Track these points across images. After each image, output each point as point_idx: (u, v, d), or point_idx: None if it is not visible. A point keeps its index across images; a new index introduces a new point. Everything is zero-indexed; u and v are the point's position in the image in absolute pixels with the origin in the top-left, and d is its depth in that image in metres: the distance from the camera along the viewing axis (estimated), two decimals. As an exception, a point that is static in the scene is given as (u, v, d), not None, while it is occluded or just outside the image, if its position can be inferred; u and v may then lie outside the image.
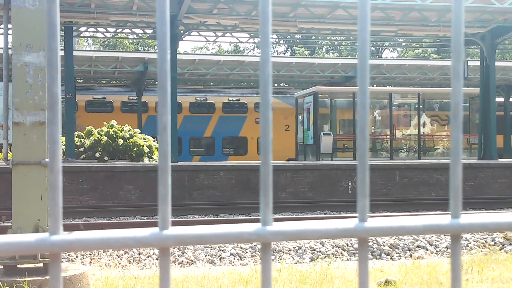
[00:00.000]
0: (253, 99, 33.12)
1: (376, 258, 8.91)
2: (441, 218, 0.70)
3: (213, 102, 32.94)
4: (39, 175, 6.33)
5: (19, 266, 6.09)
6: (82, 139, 21.01)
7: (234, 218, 13.15)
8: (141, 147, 20.82)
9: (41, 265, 6.13)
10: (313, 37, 33.94)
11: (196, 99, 32.69)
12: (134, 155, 20.62)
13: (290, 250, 9.10)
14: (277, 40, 43.09)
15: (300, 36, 34.07)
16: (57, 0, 0.61)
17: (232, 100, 33.01)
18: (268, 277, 0.61)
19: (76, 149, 20.31)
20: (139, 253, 9.04)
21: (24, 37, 6.27)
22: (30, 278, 5.82)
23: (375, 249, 9.15)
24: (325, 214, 14.59)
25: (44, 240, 0.51)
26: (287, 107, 31.45)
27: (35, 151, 6.31)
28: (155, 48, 53.60)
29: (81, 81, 32.15)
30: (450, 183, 0.70)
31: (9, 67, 6.61)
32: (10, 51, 6.75)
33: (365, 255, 0.67)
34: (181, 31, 20.81)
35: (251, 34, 27.46)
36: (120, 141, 20.59)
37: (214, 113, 32.71)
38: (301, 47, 50.96)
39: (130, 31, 24.32)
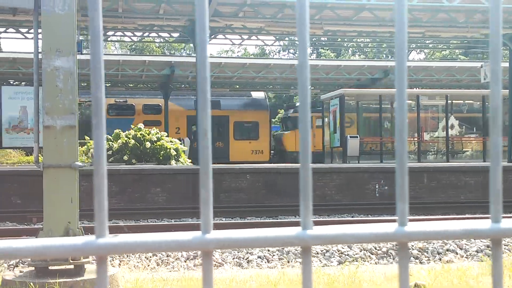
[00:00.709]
0: (142, 100, 31.80)
1: (405, 262, 8.82)
2: (482, 223, 0.70)
3: None
4: (69, 178, 6.42)
5: (50, 267, 6.17)
6: (110, 142, 21.22)
7: (261, 221, 13.15)
8: (168, 150, 20.95)
9: (71, 267, 6.21)
10: (339, 39, 33.77)
11: (80, 101, 31.53)
12: (161, 158, 20.76)
13: (317, 253, 9.07)
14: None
15: (326, 39, 33.95)
16: (99, 8, 0.62)
17: (119, 101, 31.61)
18: (309, 280, 0.61)
19: (104, 152, 20.48)
20: (167, 256, 9.09)
21: (54, 41, 6.36)
22: (61, 280, 5.90)
23: (403, 253, 9.07)
24: (352, 217, 14.51)
25: (91, 243, 0.52)
26: (178, 109, 30.96)
27: (65, 154, 6.40)
28: (182, 51, 53.92)
29: (109, 84, 32.49)
30: (490, 187, 0.70)
31: (39, 72, 6.70)
32: (40, 56, 6.85)
33: (405, 260, 0.67)
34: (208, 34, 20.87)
35: (277, 37, 27.47)
36: (148, 144, 20.75)
37: None
38: (327, 50, 50.80)
39: (156, 35, 24.51)
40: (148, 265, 8.75)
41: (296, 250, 9.35)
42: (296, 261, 8.97)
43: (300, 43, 0.64)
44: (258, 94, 33.73)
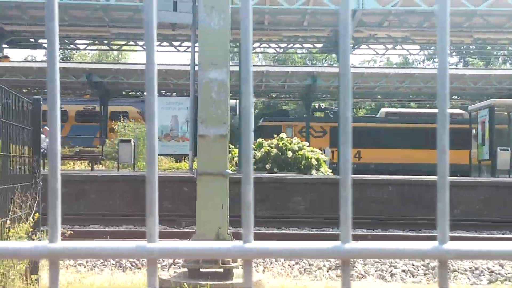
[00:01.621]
0: (111, 108, 32.04)
1: None
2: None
3: (66, 110, 32.46)
4: (221, 185, 6.70)
5: (201, 270, 6.47)
6: (253, 151, 21.80)
7: (404, 234, 12.86)
8: (309, 159, 21.11)
9: (221, 270, 6.46)
10: (489, 48, 32.17)
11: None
12: (302, 167, 20.96)
13: (465, 271, 8.71)
14: (449, 51, 41.55)
15: (474, 47, 32.49)
16: (349, 32, 0.68)
17: (88, 108, 32.21)
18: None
19: (247, 161, 21.08)
20: (309, 264, 9.17)
21: (209, 55, 6.68)
22: (212, 282, 6.16)
23: None
24: (503, 234, 13.75)
25: (339, 248, 0.57)
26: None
27: (217, 162, 6.69)
28: (323, 62, 54.15)
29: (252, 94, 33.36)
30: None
31: (195, 83, 7.07)
32: (196, 68, 7.22)
33: None
34: (351, 45, 20.85)
35: (422, 46, 26.77)
36: (289, 153, 21.06)
37: (67, 121, 32.34)
38: (475, 58, 48.63)
39: (300, 46, 24.84)
40: (291, 273, 8.88)
41: (443, 266, 9.03)
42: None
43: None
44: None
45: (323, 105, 36.47)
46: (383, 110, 35.64)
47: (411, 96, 36.21)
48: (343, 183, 0.58)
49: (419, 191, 16.64)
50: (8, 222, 5.75)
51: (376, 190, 16.78)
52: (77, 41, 24.21)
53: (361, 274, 8.76)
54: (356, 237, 12.13)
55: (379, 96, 36.25)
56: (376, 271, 8.94)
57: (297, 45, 24.68)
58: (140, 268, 8.92)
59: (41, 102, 7.09)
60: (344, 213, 0.58)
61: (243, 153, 0.61)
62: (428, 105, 42.05)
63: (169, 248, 0.55)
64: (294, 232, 13.26)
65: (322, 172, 21.35)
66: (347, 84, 0.61)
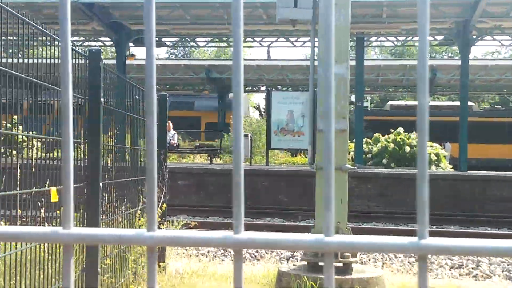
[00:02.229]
0: None
1: None
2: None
3: None
4: (340, 179, 6.71)
5: (320, 263, 6.52)
6: (370, 146, 21.53)
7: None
8: (428, 154, 20.53)
9: (340, 265, 6.48)
10: None
11: None
12: (421, 163, 20.40)
13: None
14: None
15: None
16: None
17: None
18: None
19: (364, 155, 20.87)
20: (430, 262, 8.97)
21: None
22: (331, 276, 6.19)
23: None
24: None
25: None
26: None
27: (336, 157, 6.70)
28: (443, 54, 52.30)
29: (369, 89, 32.92)
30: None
31: (314, 78, 7.11)
32: (315, 63, 7.27)
33: None
34: (474, 36, 20.02)
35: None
36: (407, 148, 20.59)
37: None
38: None
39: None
40: (411, 270, 8.74)
41: None
42: None
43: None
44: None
45: None
46: (390, 103, 33.89)
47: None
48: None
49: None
50: (139, 212, 6.09)
51: (501, 187, 16.02)
52: (197, 39, 25.01)
53: (486, 274, 8.45)
54: (483, 236, 11.69)
55: (505, 90, 34.53)
56: (502, 271, 8.60)
57: (416, 38, 24.00)
58: (258, 260, 9.13)
59: (167, 98, 7.43)
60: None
61: (419, 151, 0.64)
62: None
63: (346, 242, 0.59)
64: (410, 228, 12.96)
65: (442, 167, 20.70)
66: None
